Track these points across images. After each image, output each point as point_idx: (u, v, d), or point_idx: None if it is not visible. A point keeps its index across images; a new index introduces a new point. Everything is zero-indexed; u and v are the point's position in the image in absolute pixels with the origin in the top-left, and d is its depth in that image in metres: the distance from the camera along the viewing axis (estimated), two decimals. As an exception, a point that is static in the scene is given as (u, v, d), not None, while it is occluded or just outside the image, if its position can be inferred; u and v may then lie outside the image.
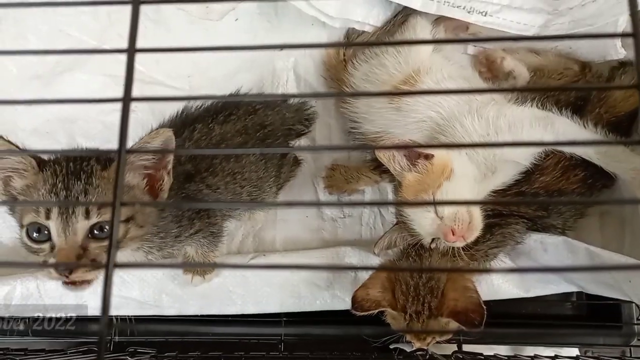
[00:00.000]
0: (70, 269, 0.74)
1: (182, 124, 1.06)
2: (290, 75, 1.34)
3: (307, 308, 1.18)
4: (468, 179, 1.03)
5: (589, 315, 1.23)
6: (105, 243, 0.78)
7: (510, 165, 1.05)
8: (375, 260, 1.18)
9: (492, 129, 1.03)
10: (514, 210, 1.09)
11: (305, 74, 1.34)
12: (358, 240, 1.27)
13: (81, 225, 0.76)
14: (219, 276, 1.16)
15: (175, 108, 1.25)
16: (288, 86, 1.34)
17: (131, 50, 0.43)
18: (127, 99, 0.42)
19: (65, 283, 0.77)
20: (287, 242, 1.27)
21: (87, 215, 0.76)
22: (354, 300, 1.03)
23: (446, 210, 1.00)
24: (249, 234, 1.27)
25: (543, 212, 1.09)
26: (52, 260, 0.76)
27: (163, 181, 0.84)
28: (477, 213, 1.01)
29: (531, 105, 1.07)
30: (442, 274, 1.03)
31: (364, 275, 1.17)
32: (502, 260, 1.14)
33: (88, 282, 0.79)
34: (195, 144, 1.01)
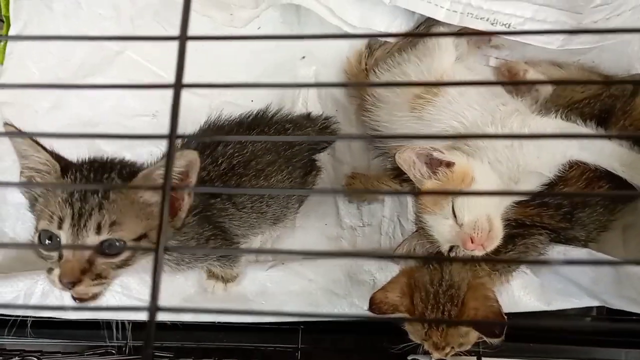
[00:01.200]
0: (73, 282, 0.74)
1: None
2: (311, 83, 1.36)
3: (325, 317, 1.18)
4: (490, 189, 1.04)
5: (610, 331, 1.22)
6: (114, 260, 0.77)
7: (534, 176, 1.06)
8: (394, 269, 1.18)
9: (516, 140, 1.04)
10: (537, 220, 1.09)
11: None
12: (377, 249, 1.27)
13: (91, 240, 0.75)
14: (238, 285, 1.17)
15: (198, 116, 1.27)
16: (309, 94, 1.35)
17: (183, 38, 0.44)
18: (178, 86, 0.44)
19: (73, 297, 0.77)
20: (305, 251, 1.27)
21: (99, 230, 0.75)
22: (372, 301, 1.03)
23: (466, 218, 1.01)
24: (267, 242, 1.28)
25: (567, 223, 1.10)
26: (57, 271, 0.74)
27: (183, 201, 0.83)
28: (497, 222, 1.02)
29: (555, 117, 1.09)
30: (462, 282, 1.03)
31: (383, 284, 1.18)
32: (524, 272, 1.14)
33: (94, 296, 0.78)
34: (228, 160, 1.02)
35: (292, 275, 1.18)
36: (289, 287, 1.18)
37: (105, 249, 0.76)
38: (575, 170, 1.08)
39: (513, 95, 1.19)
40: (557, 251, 1.11)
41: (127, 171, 0.82)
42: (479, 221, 1.00)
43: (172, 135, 0.43)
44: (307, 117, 1.26)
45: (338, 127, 1.29)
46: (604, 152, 1.05)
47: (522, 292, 1.16)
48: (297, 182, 1.16)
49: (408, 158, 1.07)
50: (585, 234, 1.12)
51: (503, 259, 1.08)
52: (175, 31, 1.38)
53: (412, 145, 1.09)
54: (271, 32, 1.35)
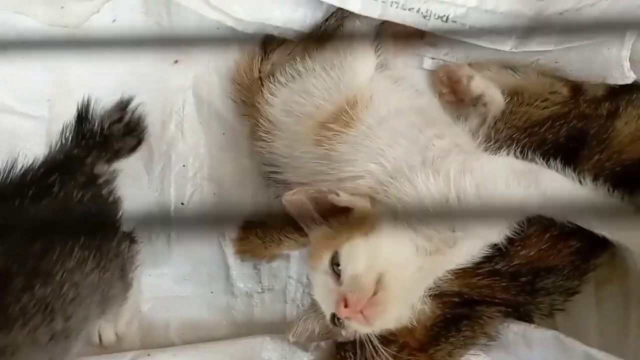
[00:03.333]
0: None
1: None
2: (188, 96, 1.06)
3: None
4: (405, 246, 0.78)
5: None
6: None
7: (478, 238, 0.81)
8: (302, 356, 0.92)
9: (453, 191, 0.78)
10: (488, 294, 0.84)
11: (209, 95, 1.06)
12: (281, 324, 1.00)
13: None
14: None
15: (31, 146, 1.00)
16: (186, 112, 1.06)
17: None
18: None
19: None
20: (184, 329, 0.99)
21: None
22: None
23: (348, 271, 0.75)
24: (134, 318, 0.99)
25: (526, 296, 0.85)
26: None
27: None
28: (396, 286, 0.75)
29: (508, 153, 0.82)
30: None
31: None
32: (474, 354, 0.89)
33: None
34: None
35: (163, 372, 0.91)
36: (160, 388, 0.91)
37: None
38: (536, 226, 0.83)
39: (453, 115, 0.92)
40: (515, 332, 0.87)
41: None
42: (360, 277, 0.74)
43: None
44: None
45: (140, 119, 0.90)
46: (574, 204, 0.80)
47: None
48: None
49: (297, 201, 0.82)
50: (549, 303, 0.88)
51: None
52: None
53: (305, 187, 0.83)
54: (128, 24, 1.03)
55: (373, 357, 0.82)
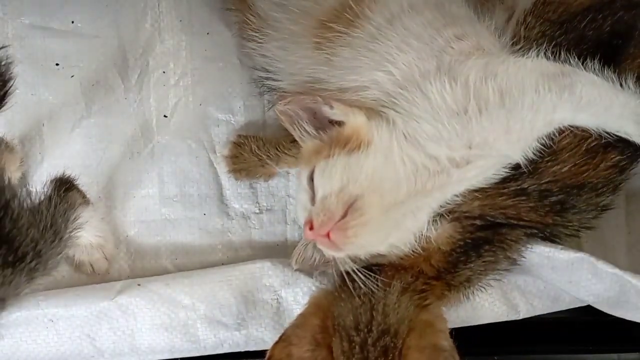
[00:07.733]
0: None
1: None
2: (162, -9, 1.00)
3: (211, 352, 0.94)
4: (399, 167, 0.76)
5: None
6: None
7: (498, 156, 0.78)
8: (308, 283, 0.93)
9: (473, 101, 0.73)
10: (513, 216, 0.82)
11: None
12: (282, 246, 1.00)
13: None
14: (69, 319, 0.90)
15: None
16: (162, 7, 1.00)
17: None
18: None
19: None
20: (177, 255, 0.99)
21: None
22: None
23: (320, 191, 0.76)
24: (121, 243, 0.98)
25: (555, 217, 0.83)
26: None
27: None
28: (376, 209, 0.74)
29: (537, 54, 0.77)
30: (401, 324, 0.78)
31: (293, 307, 0.93)
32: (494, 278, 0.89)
33: None
34: None
35: (156, 302, 0.91)
36: (152, 320, 0.91)
37: None
38: (569, 137, 0.79)
39: (476, 10, 0.85)
40: (538, 253, 0.85)
41: None
42: (329, 198, 0.74)
43: None
44: None
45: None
46: (612, 111, 0.76)
47: (486, 300, 0.94)
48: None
49: (292, 111, 0.81)
50: (577, 223, 0.86)
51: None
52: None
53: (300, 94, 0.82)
54: None
55: (378, 287, 0.81)
